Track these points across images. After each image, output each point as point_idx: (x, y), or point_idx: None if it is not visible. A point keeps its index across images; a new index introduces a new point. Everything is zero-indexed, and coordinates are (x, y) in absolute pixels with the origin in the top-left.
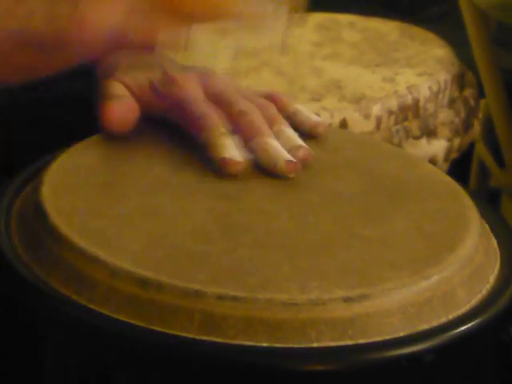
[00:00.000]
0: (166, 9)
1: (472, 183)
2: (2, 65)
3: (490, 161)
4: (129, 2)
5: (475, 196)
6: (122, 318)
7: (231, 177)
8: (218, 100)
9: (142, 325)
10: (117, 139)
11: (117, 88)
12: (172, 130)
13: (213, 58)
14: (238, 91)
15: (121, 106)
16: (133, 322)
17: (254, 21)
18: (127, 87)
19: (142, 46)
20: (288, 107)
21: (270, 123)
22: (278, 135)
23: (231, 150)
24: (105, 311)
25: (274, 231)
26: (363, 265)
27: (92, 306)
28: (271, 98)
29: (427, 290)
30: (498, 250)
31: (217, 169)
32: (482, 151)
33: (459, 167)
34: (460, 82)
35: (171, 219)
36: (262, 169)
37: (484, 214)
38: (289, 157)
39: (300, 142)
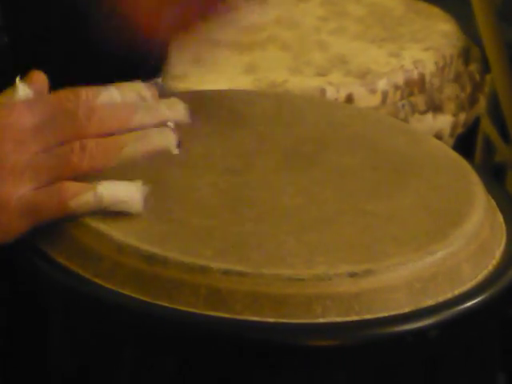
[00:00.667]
0: None
1: (477, 158)
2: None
3: (495, 136)
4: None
5: (481, 171)
6: (127, 292)
7: (231, 150)
8: None
9: (147, 300)
10: None
11: None
12: None
13: None
14: None
15: None
16: (138, 296)
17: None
18: None
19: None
20: None
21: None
22: None
23: None
24: (110, 286)
25: (279, 206)
26: (369, 240)
27: (97, 281)
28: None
29: (433, 265)
30: (504, 226)
31: None
32: (487, 126)
33: (465, 142)
34: (465, 56)
35: (176, 194)
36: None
37: (490, 190)
38: None
39: None
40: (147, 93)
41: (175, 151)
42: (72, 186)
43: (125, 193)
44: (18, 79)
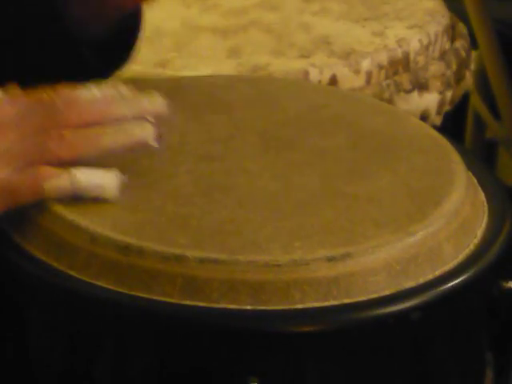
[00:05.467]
0: None
1: (468, 135)
2: None
3: (485, 112)
4: None
5: (462, 149)
6: (102, 284)
7: (208, 136)
8: None
9: (123, 291)
10: None
11: None
12: None
13: None
14: None
15: None
16: (114, 288)
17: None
18: None
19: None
20: None
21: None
22: None
23: None
24: (85, 278)
25: (256, 191)
26: (348, 223)
27: (72, 273)
28: None
29: (412, 246)
30: (485, 203)
31: None
32: (476, 103)
33: (455, 120)
34: (451, 33)
35: (152, 182)
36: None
37: (471, 167)
38: None
39: None
40: (125, 88)
41: (154, 144)
42: (48, 170)
43: (100, 178)
44: None
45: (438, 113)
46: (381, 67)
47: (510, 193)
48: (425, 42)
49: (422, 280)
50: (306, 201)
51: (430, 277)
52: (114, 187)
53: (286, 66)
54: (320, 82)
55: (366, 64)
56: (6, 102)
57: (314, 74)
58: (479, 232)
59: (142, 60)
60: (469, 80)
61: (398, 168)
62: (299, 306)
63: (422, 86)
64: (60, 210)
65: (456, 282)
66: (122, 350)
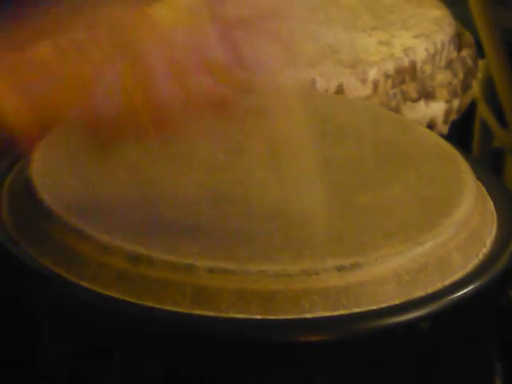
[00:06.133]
0: None
1: (475, 144)
2: None
3: (492, 121)
4: None
5: (471, 158)
6: (112, 294)
7: (216, 146)
8: None
9: (133, 301)
10: None
11: None
12: None
13: None
14: None
15: None
16: (124, 298)
17: None
18: None
19: None
20: None
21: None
22: None
23: None
24: (95, 288)
25: (266, 201)
26: (357, 233)
27: (82, 283)
28: None
29: (422, 256)
30: (494, 213)
31: None
32: (484, 112)
33: (462, 128)
34: (457, 42)
35: (161, 193)
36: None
37: (480, 176)
38: None
39: None
40: None
41: None
42: None
43: None
44: None
45: (445, 122)
46: (387, 76)
47: None
48: (431, 50)
49: (431, 289)
50: (314, 211)
51: (439, 286)
52: None
53: (292, 75)
54: (327, 90)
55: (372, 73)
56: None
57: (320, 83)
58: (488, 241)
59: None
60: (475, 89)
61: (407, 177)
62: (308, 316)
63: (428, 95)
64: (69, 220)
65: (465, 291)
66: (131, 359)
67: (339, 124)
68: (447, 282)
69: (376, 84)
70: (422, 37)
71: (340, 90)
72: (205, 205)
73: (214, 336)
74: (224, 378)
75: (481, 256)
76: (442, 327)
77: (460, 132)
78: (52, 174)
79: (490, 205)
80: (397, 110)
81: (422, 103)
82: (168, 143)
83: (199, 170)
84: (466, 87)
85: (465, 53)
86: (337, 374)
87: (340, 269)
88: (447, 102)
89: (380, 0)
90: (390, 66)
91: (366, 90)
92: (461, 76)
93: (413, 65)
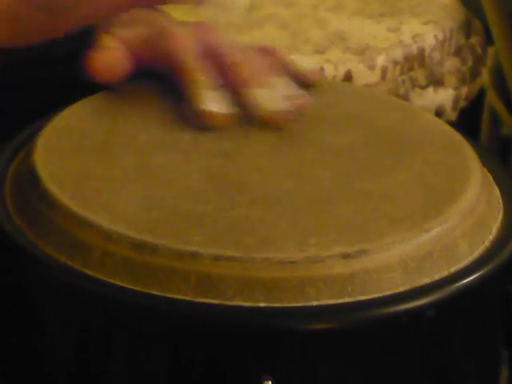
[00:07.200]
0: None
1: (483, 131)
2: (15, 27)
3: (501, 108)
4: None
5: (478, 145)
6: (117, 282)
7: (221, 133)
8: (212, 53)
9: (137, 288)
10: (112, 100)
11: (107, 40)
12: (169, 88)
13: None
14: (234, 45)
15: (107, 56)
16: (128, 285)
17: None
18: (119, 40)
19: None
20: (283, 59)
21: (264, 74)
22: (273, 85)
23: (212, 103)
24: (99, 276)
25: (271, 189)
26: (362, 220)
27: (86, 271)
28: (266, 50)
29: (427, 243)
30: (500, 200)
31: (198, 122)
32: (492, 99)
33: (470, 116)
34: (466, 29)
35: (166, 180)
36: (255, 123)
37: (486, 163)
38: (277, 107)
39: (297, 89)
40: None
41: None
42: None
43: None
44: None
45: (454, 109)
46: (396, 63)
47: None
48: (440, 37)
49: (437, 277)
50: (319, 198)
51: (445, 273)
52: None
53: (301, 61)
54: (335, 77)
55: (381, 60)
56: None
57: (328, 70)
58: (494, 229)
59: None
60: (484, 76)
61: (413, 165)
62: (314, 304)
63: (437, 82)
64: (73, 208)
65: (471, 278)
66: (136, 347)
67: (345, 111)
68: (453, 270)
69: (384, 71)
70: (431, 23)
71: (348, 77)
72: (210, 192)
73: (218, 324)
74: (228, 365)
75: (487, 243)
76: (447, 315)
77: (468, 119)
78: (55, 161)
79: (497, 192)
80: (405, 96)
81: (430, 90)
82: (173, 130)
83: (203, 157)
84: (474, 74)
85: (474, 40)
86: (342, 361)
87: (345, 256)
88: (456, 88)
89: None
90: (398, 53)
91: (375, 77)
92: (469, 63)
93: (421, 51)
